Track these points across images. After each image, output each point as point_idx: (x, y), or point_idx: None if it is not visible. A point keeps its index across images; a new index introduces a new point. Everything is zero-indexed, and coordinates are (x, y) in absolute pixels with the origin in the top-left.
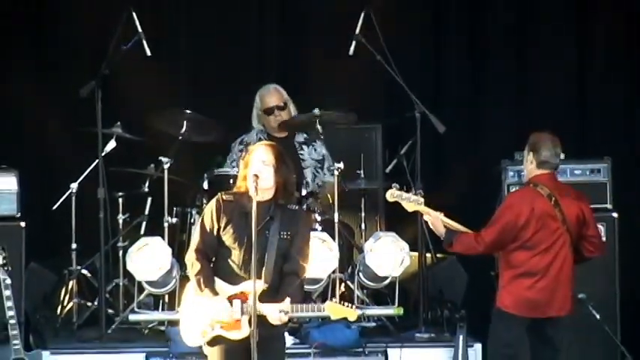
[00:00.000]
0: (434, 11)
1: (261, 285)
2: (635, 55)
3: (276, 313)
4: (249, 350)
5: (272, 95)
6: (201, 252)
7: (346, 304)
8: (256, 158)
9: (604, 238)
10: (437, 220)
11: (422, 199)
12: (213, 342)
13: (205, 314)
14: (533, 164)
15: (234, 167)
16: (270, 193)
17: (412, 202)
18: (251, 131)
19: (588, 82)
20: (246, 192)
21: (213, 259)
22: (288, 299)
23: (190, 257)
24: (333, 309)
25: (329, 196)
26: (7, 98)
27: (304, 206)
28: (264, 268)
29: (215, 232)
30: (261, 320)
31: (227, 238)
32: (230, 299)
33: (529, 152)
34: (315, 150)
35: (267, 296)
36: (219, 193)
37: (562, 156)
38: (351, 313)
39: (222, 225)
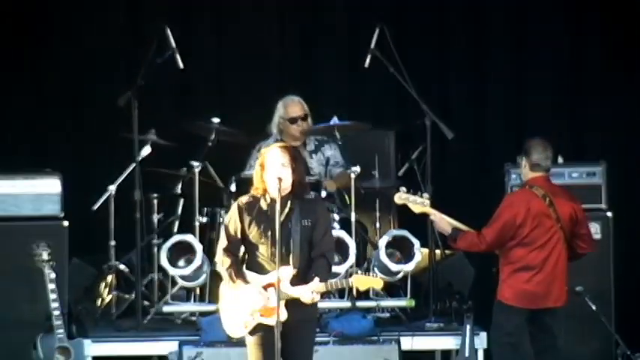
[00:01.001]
0: (438, 25)
1: (290, 271)
2: (631, 61)
3: (308, 293)
4: (285, 334)
5: (296, 106)
6: (228, 251)
7: (371, 273)
8: (276, 161)
9: (599, 236)
10: (442, 221)
11: (428, 201)
12: (254, 331)
13: (244, 306)
14: (527, 167)
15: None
16: (288, 189)
17: (418, 204)
18: (268, 138)
19: (584, 90)
20: (264, 193)
21: (245, 255)
22: (317, 279)
23: (219, 257)
24: (360, 280)
25: (345, 195)
26: (52, 109)
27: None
28: (291, 256)
29: (239, 234)
30: (295, 304)
31: (253, 236)
32: (265, 288)
33: (523, 157)
34: (323, 154)
35: (298, 281)
36: (239, 199)
37: (560, 160)
38: (377, 282)
39: (246, 225)
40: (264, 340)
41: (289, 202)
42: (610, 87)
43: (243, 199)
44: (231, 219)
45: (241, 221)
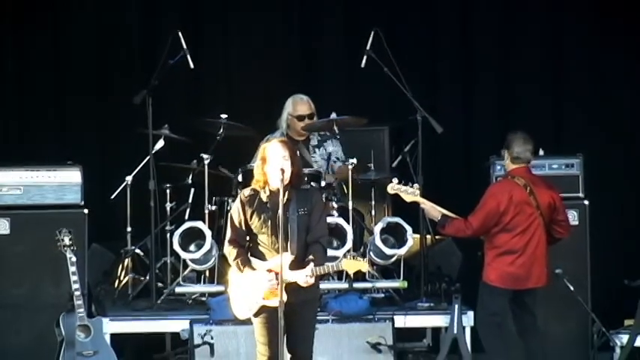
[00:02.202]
0: (430, 28)
1: (289, 257)
2: (607, 57)
3: (303, 277)
4: (288, 313)
5: (304, 105)
6: (235, 241)
7: (359, 258)
8: (278, 155)
9: (577, 223)
10: (431, 209)
11: (418, 191)
12: (258, 313)
13: (250, 291)
14: (509, 160)
15: None
16: (287, 181)
17: (410, 193)
18: (275, 132)
19: (563, 87)
20: (264, 185)
21: (250, 244)
22: (311, 264)
23: (227, 248)
24: (348, 264)
25: (344, 186)
26: (73, 106)
27: (323, 196)
28: (290, 243)
29: (244, 225)
30: (297, 286)
31: (255, 226)
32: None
33: (505, 150)
34: (326, 149)
35: (296, 265)
36: (241, 192)
37: (541, 152)
38: (363, 265)
39: (249, 216)
40: (268, 319)
41: (287, 193)
42: (588, 83)
43: (245, 192)
44: (235, 211)
45: (244, 213)
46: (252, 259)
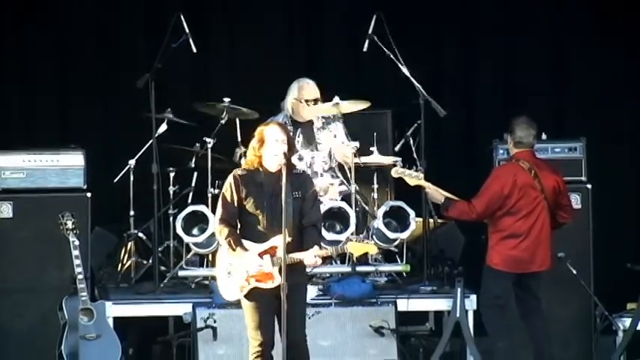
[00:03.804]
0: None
1: (286, 239)
2: (610, 43)
3: (311, 257)
4: (279, 297)
5: (311, 89)
6: (225, 220)
7: (365, 240)
8: (277, 138)
9: (579, 207)
10: (435, 192)
11: (422, 175)
12: (249, 295)
13: (241, 271)
14: (512, 144)
15: None
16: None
17: (414, 177)
18: (278, 114)
19: (565, 70)
20: (259, 166)
21: (239, 225)
22: (316, 247)
23: (217, 226)
24: (355, 247)
25: (346, 169)
26: (77, 90)
27: (326, 178)
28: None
29: (236, 203)
30: (290, 270)
31: (249, 206)
32: (260, 255)
33: (508, 134)
34: (330, 131)
35: (292, 247)
36: (234, 170)
37: (544, 136)
38: (371, 248)
39: (243, 196)
40: (260, 303)
41: (280, 177)
42: (591, 68)
43: (238, 171)
44: (227, 189)
45: (238, 192)
46: (244, 241)
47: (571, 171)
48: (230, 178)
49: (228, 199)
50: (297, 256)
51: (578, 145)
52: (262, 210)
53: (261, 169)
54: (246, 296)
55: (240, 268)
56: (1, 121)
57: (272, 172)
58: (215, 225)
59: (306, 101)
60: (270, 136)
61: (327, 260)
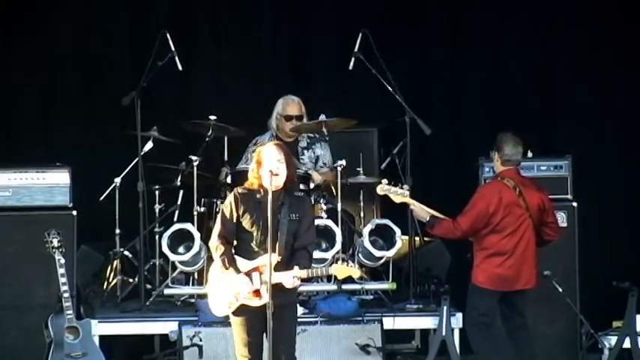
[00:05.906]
0: (419, 29)
1: (275, 258)
2: (599, 63)
3: (290, 278)
4: (266, 317)
5: (295, 105)
6: (223, 237)
7: (350, 264)
8: (272, 157)
9: (565, 224)
10: (420, 210)
11: (407, 192)
12: (238, 311)
13: (230, 288)
14: (499, 162)
15: (249, 164)
16: (282, 184)
17: (399, 195)
18: (264, 134)
19: (556, 87)
20: (259, 187)
21: (235, 243)
22: (296, 267)
23: (214, 242)
24: (339, 270)
25: (332, 188)
26: (63, 108)
27: (312, 198)
28: (277, 244)
29: (234, 220)
30: (277, 290)
31: (245, 223)
32: (249, 273)
33: (495, 151)
34: (314, 152)
35: (280, 267)
36: (235, 189)
37: (530, 154)
38: (354, 272)
39: (241, 213)
40: (247, 321)
41: (281, 197)
42: (578, 85)
43: (239, 189)
44: (227, 206)
45: (237, 209)
46: (237, 257)
47: (557, 189)
48: (230, 196)
49: (227, 215)
50: (276, 276)
51: (564, 162)
52: (257, 227)
53: (261, 190)
54: (234, 313)
55: (230, 284)
56: None
57: (274, 191)
58: (212, 240)
59: (289, 117)
60: (267, 156)
61: (311, 280)
